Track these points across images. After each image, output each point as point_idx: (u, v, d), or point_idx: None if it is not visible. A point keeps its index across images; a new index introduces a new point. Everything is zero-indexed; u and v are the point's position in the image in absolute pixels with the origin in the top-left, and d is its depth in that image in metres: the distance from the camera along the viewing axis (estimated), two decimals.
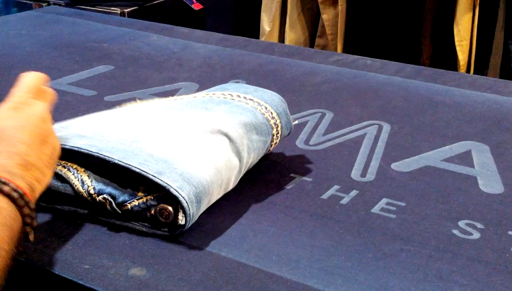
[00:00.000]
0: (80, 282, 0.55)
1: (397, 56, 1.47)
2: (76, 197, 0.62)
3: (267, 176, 0.73)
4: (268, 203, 0.69)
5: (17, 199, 0.51)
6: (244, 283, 0.55)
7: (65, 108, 0.93)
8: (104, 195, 0.61)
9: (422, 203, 0.69)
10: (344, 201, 0.69)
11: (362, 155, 0.80)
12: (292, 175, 0.75)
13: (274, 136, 0.73)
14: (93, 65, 1.13)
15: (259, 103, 0.73)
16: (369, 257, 0.59)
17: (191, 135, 0.67)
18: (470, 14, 1.93)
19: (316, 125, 0.89)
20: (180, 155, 0.63)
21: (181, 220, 0.59)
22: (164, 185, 0.59)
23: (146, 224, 0.61)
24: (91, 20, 1.44)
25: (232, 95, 0.74)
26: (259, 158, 0.72)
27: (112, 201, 0.61)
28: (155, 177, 0.59)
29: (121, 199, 0.61)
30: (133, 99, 0.77)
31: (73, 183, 0.62)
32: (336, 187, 0.72)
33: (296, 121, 0.77)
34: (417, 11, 2.11)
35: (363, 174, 0.75)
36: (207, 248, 0.60)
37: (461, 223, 0.65)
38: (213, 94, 0.76)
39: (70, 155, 0.63)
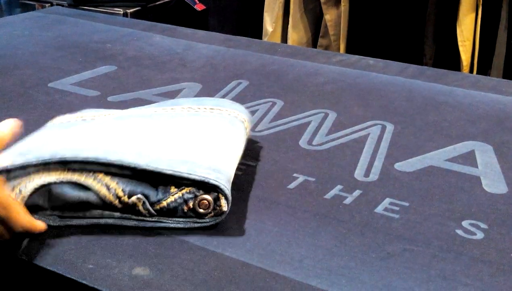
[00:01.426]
0: (83, 282, 0.55)
1: (400, 57, 1.47)
2: (99, 204, 0.61)
3: (270, 175, 0.73)
4: (271, 202, 0.69)
5: None
6: (247, 282, 0.55)
7: (68, 108, 0.93)
8: (138, 195, 0.61)
9: (425, 203, 0.69)
10: (347, 201, 0.69)
11: (366, 155, 0.80)
12: (295, 174, 0.75)
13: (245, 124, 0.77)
14: (96, 65, 1.14)
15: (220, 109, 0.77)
16: (373, 257, 0.59)
17: (194, 136, 0.69)
18: (473, 14, 1.93)
19: (319, 125, 0.89)
20: (196, 154, 0.65)
21: (224, 206, 0.61)
22: (202, 178, 0.61)
23: (181, 220, 0.62)
24: (94, 20, 1.44)
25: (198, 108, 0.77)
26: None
27: (146, 200, 0.61)
28: (190, 174, 0.61)
29: (155, 197, 0.61)
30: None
31: (97, 189, 0.61)
32: (339, 186, 0.72)
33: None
34: (420, 11, 2.11)
35: (367, 174, 0.75)
36: (210, 248, 0.60)
37: (465, 223, 0.65)
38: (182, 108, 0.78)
39: (87, 166, 0.61)
